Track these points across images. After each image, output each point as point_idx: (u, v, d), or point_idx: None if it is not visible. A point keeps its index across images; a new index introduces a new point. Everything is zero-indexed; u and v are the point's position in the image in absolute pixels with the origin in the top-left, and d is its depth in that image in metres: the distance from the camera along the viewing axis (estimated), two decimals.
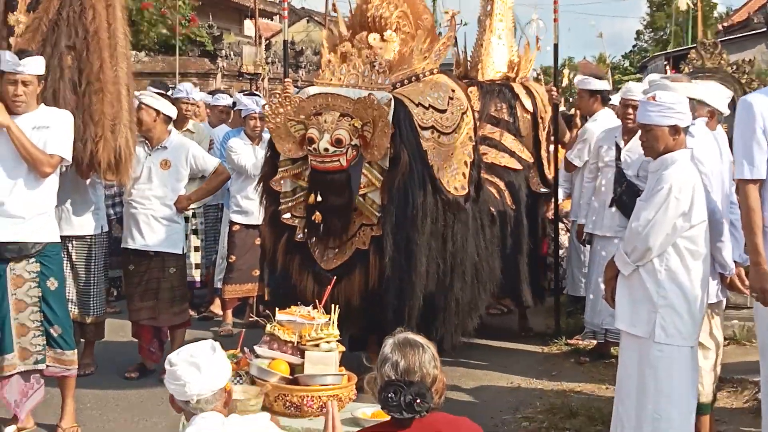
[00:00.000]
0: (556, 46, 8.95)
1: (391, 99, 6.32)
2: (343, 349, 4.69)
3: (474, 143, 7.12)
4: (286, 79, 8.06)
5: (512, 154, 8.24)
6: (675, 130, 4.96)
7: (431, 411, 3.31)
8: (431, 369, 3.35)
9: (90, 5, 6.33)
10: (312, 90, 6.50)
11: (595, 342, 7.97)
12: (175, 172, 7.30)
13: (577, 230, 8.16)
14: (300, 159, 6.54)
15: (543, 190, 8.66)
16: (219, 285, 9.35)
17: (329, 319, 4.66)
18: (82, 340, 7.17)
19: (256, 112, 8.74)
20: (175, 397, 3.58)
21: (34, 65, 5.80)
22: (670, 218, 4.85)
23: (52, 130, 5.83)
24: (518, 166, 8.17)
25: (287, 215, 6.62)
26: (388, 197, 6.33)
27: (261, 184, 6.90)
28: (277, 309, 4.74)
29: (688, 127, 5.05)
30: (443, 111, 6.76)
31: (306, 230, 6.52)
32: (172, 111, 7.42)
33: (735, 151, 4.92)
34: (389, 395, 3.26)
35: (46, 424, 6.22)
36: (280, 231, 6.66)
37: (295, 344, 4.59)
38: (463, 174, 6.87)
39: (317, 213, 6.35)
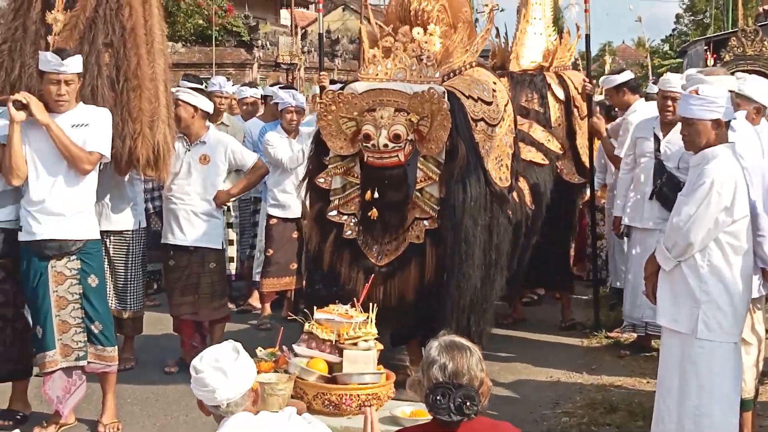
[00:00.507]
0: (587, 36, 8.84)
1: (444, 92, 6.27)
2: (381, 347, 4.70)
3: (514, 135, 7.09)
4: (321, 73, 8.04)
5: (539, 146, 8.12)
6: (717, 124, 4.90)
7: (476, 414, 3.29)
8: (478, 372, 3.35)
9: (126, 2, 6.34)
10: (361, 86, 6.42)
11: (635, 335, 7.90)
12: (214, 167, 7.32)
13: (614, 223, 8.08)
14: (349, 156, 6.49)
15: (578, 179, 8.58)
16: (257, 278, 9.37)
17: (367, 318, 4.66)
18: (119, 335, 7.21)
19: (292, 106, 8.74)
20: (204, 402, 3.60)
21: (75, 64, 5.84)
22: (712, 213, 4.80)
23: (91, 127, 5.87)
24: (544, 161, 8.06)
25: (333, 213, 6.56)
26: (447, 190, 6.28)
27: (306, 182, 6.85)
28: (315, 308, 4.74)
29: (729, 121, 4.98)
30: (489, 103, 6.73)
31: (360, 227, 6.47)
32: (209, 106, 7.45)
33: None
34: (438, 398, 3.26)
35: (87, 419, 6.26)
36: (327, 229, 6.60)
37: (334, 343, 4.60)
38: (507, 165, 6.86)
39: (374, 209, 6.31)
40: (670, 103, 7.16)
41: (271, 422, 3.60)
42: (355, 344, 4.57)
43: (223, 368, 3.53)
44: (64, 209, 5.81)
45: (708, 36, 28.65)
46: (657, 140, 7.41)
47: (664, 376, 5.08)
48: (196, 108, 7.26)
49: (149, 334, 7.73)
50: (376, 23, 6.98)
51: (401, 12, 6.89)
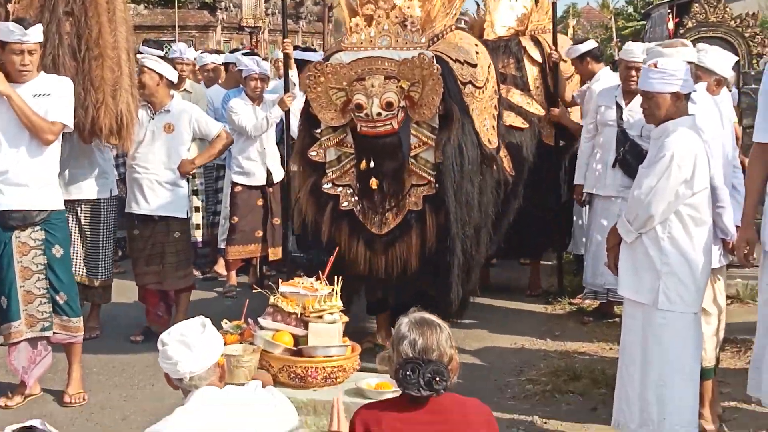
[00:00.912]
0: (554, 3, 8.81)
1: (433, 57, 6.23)
2: (346, 320, 4.72)
3: (498, 96, 7.10)
4: (285, 40, 8.00)
5: (518, 110, 8.11)
6: (677, 96, 4.94)
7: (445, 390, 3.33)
8: (448, 348, 3.37)
9: None
10: (347, 56, 6.35)
11: (597, 302, 7.98)
12: (178, 136, 7.26)
13: (576, 190, 8.08)
14: (340, 126, 6.46)
15: (561, 143, 8.58)
16: (222, 245, 9.37)
17: (332, 291, 4.68)
18: (86, 302, 7.20)
19: (256, 73, 8.70)
20: (169, 375, 3.63)
21: (37, 33, 5.77)
22: (672, 186, 4.84)
23: (53, 97, 5.81)
24: (524, 125, 8.05)
25: (328, 185, 6.54)
26: (444, 154, 6.27)
27: (299, 156, 6.80)
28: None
29: (689, 93, 5.02)
30: (474, 66, 6.73)
31: (357, 197, 6.45)
32: (174, 75, 7.38)
33: (758, 115, 4.91)
34: (407, 373, 3.28)
35: (53, 389, 6.26)
36: (323, 201, 6.58)
37: (299, 316, 4.62)
38: (493, 127, 6.89)
39: (373, 179, 6.29)
40: (633, 73, 7.18)
41: (236, 395, 3.64)
42: (321, 317, 4.59)
43: (188, 342, 3.56)
44: (28, 180, 5.76)
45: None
46: (619, 108, 7.45)
47: (626, 346, 5.14)
48: (161, 76, 7.19)
49: (115, 303, 7.69)
50: None
51: None
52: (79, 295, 6.88)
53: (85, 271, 7.02)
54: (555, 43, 8.50)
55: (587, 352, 7.08)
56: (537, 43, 8.65)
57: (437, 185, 6.33)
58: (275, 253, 8.96)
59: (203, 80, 10.54)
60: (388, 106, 6.10)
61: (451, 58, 6.49)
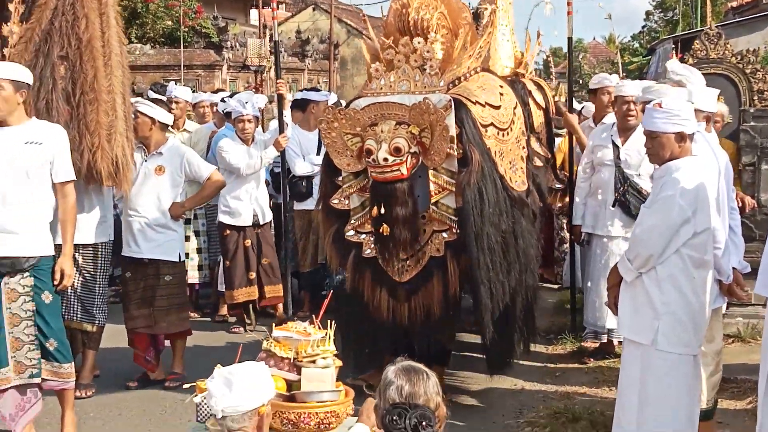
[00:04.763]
0: (570, 39, 8.83)
1: (450, 100, 6.21)
2: (340, 364, 4.66)
3: (526, 137, 7.04)
4: (278, 81, 8.01)
5: (533, 151, 8.12)
6: (681, 137, 4.92)
7: None
8: (434, 395, 3.36)
9: (83, 15, 6.31)
10: (363, 101, 6.38)
11: (598, 342, 7.91)
12: (169, 179, 7.20)
13: (574, 231, 8.06)
14: (362, 172, 6.45)
15: (557, 186, 8.56)
16: (221, 288, 9.36)
17: (325, 335, 4.63)
18: (83, 348, 7.16)
19: (244, 115, 8.71)
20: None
21: (6, 70, 5.72)
22: (674, 225, 4.81)
23: (45, 147, 5.76)
24: (540, 164, 8.02)
25: (351, 232, 6.52)
26: (464, 199, 6.20)
27: (322, 203, 6.78)
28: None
29: (693, 134, 4.99)
30: (497, 107, 6.69)
31: (374, 243, 6.42)
32: (167, 118, 7.36)
33: None
34: (394, 418, 3.26)
35: None
36: (346, 249, 6.56)
37: (292, 361, 4.57)
38: (521, 168, 6.82)
39: (384, 225, 6.23)
40: (632, 107, 7.19)
41: None
42: (314, 362, 4.52)
43: (231, 381, 3.61)
44: (16, 226, 5.70)
45: (676, 34, 28.82)
46: (616, 147, 7.43)
47: (624, 386, 5.09)
48: (153, 120, 7.17)
49: (111, 346, 7.65)
50: (377, 38, 6.89)
51: (400, 23, 6.74)
52: (77, 339, 6.90)
53: (81, 315, 6.97)
54: (570, 77, 8.44)
55: (587, 393, 7.01)
56: (539, 87, 8.67)
57: (458, 231, 6.28)
58: (269, 292, 8.94)
59: (196, 118, 10.59)
60: (397, 151, 6.07)
61: (470, 100, 6.42)
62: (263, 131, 9.73)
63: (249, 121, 8.75)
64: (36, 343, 5.83)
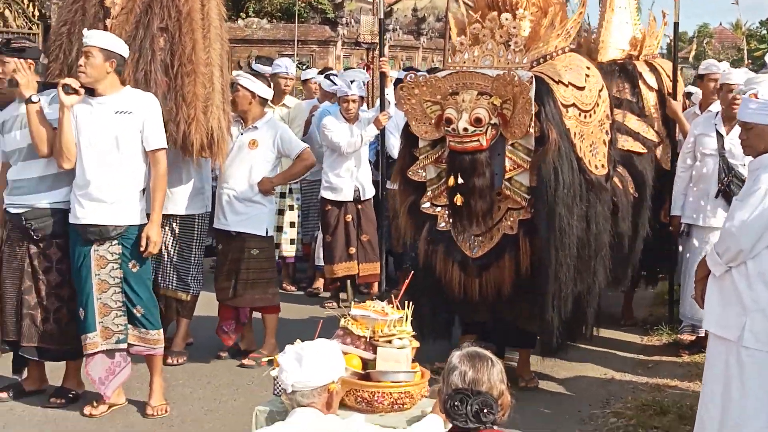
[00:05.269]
0: (676, 24, 8.60)
1: (532, 77, 6.13)
2: (417, 345, 4.64)
3: (611, 121, 6.93)
4: (381, 59, 7.99)
5: (636, 136, 7.90)
6: None
7: (495, 425, 3.24)
8: (498, 383, 3.32)
9: None
10: (445, 72, 6.36)
11: (695, 336, 7.71)
12: (261, 153, 7.20)
13: (673, 222, 7.84)
14: (439, 142, 6.42)
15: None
16: (318, 262, 9.42)
17: (402, 315, 4.61)
18: (178, 317, 7.34)
19: (349, 94, 8.73)
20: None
21: (96, 38, 5.87)
22: (765, 220, 4.62)
23: (135, 116, 5.89)
24: (642, 150, 7.84)
25: (426, 204, 6.52)
26: (538, 178, 6.14)
27: (399, 175, 6.78)
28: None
29: None
30: (582, 88, 6.57)
31: (449, 216, 6.40)
32: (267, 92, 7.38)
33: None
34: (455, 403, 3.23)
35: (139, 400, 6.32)
36: (420, 221, 6.57)
37: (368, 339, 4.57)
38: (603, 153, 6.71)
39: (458, 195, 6.19)
40: (738, 96, 6.94)
41: (333, 427, 3.71)
42: (390, 341, 4.52)
43: (302, 356, 3.67)
44: (106, 195, 5.85)
45: None
46: (720, 137, 7.19)
47: (708, 383, 4.94)
48: (253, 93, 7.20)
49: (204, 315, 7.77)
50: (466, 9, 6.85)
51: None
52: (172, 307, 7.04)
53: (176, 283, 7.11)
54: (675, 63, 8.24)
55: (678, 387, 6.84)
56: (652, 68, 8.45)
57: (532, 210, 6.19)
58: (365, 270, 8.95)
59: (305, 93, 10.67)
60: (477, 121, 6.02)
61: (553, 80, 6.31)
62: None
63: (353, 100, 8.80)
64: (123, 310, 5.97)
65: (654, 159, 8.01)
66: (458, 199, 6.17)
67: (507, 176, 6.22)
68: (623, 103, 8.08)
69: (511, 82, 6.00)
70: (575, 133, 6.37)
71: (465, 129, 6.02)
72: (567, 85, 6.42)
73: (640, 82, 8.23)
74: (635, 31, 8.69)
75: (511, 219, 6.27)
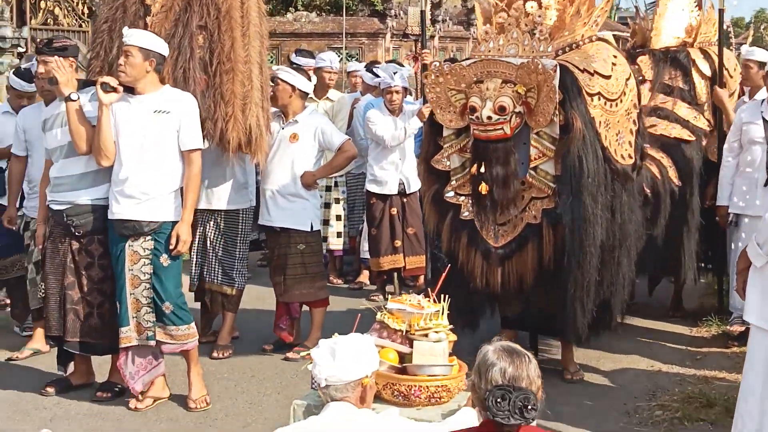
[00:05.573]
0: (721, 11, 8.47)
1: (556, 65, 6.14)
2: (454, 338, 4.62)
3: (638, 110, 6.86)
4: (424, 51, 7.97)
5: (685, 123, 7.87)
6: None
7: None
8: (536, 379, 3.28)
9: None
10: (470, 61, 6.38)
11: (744, 327, 7.57)
12: (302, 147, 7.20)
13: (719, 212, 7.71)
14: (464, 131, 6.43)
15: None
16: (364, 255, 9.43)
17: (439, 309, 4.60)
18: (223, 311, 7.40)
19: (392, 86, 8.71)
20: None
21: (137, 37, 5.93)
22: None
23: (172, 116, 5.94)
24: (690, 137, 7.79)
25: (450, 193, 6.51)
26: (563, 166, 6.13)
27: (423, 164, 6.79)
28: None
29: None
30: (608, 77, 6.52)
31: (472, 205, 6.39)
32: (307, 86, 7.40)
33: None
34: (497, 400, 3.19)
35: (183, 394, 6.34)
36: (444, 210, 6.57)
37: (405, 333, 4.56)
38: (629, 142, 6.64)
39: (482, 184, 6.19)
40: None
41: (367, 421, 3.69)
42: (426, 335, 4.51)
43: (335, 350, 3.68)
44: (141, 192, 5.90)
45: None
46: (767, 123, 7.07)
47: (747, 376, 4.85)
48: (293, 87, 7.20)
49: (252, 308, 7.81)
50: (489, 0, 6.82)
51: None
52: (217, 301, 7.10)
53: (220, 278, 7.15)
54: (720, 53, 8.12)
55: (726, 379, 6.73)
56: (707, 56, 8.35)
57: (556, 198, 6.18)
58: (411, 263, 8.95)
59: (349, 86, 10.69)
60: (501, 110, 6.03)
61: (578, 68, 6.29)
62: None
63: (397, 92, 8.77)
64: (152, 306, 6.03)
65: (701, 148, 7.93)
66: (483, 188, 6.18)
67: (533, 165, 6.23)
68: (674, 91, 8.06)
69: (535, 71, 6.00)
70: (600, 122, 6.33)
71: (489, 117, 6.04)
72: (592, 74, 6.39)
73: (692, 69, 8.15)
74: (691, 19, 8.60)
75: (535, 208, 6.27)
